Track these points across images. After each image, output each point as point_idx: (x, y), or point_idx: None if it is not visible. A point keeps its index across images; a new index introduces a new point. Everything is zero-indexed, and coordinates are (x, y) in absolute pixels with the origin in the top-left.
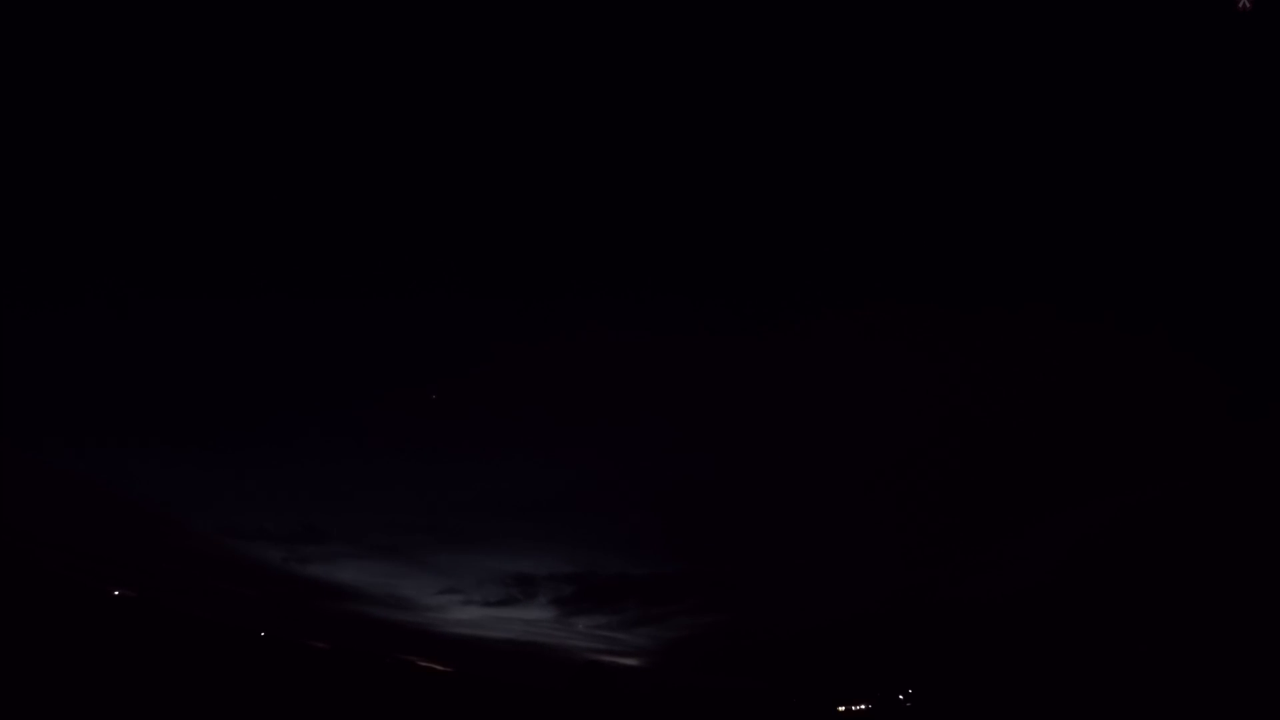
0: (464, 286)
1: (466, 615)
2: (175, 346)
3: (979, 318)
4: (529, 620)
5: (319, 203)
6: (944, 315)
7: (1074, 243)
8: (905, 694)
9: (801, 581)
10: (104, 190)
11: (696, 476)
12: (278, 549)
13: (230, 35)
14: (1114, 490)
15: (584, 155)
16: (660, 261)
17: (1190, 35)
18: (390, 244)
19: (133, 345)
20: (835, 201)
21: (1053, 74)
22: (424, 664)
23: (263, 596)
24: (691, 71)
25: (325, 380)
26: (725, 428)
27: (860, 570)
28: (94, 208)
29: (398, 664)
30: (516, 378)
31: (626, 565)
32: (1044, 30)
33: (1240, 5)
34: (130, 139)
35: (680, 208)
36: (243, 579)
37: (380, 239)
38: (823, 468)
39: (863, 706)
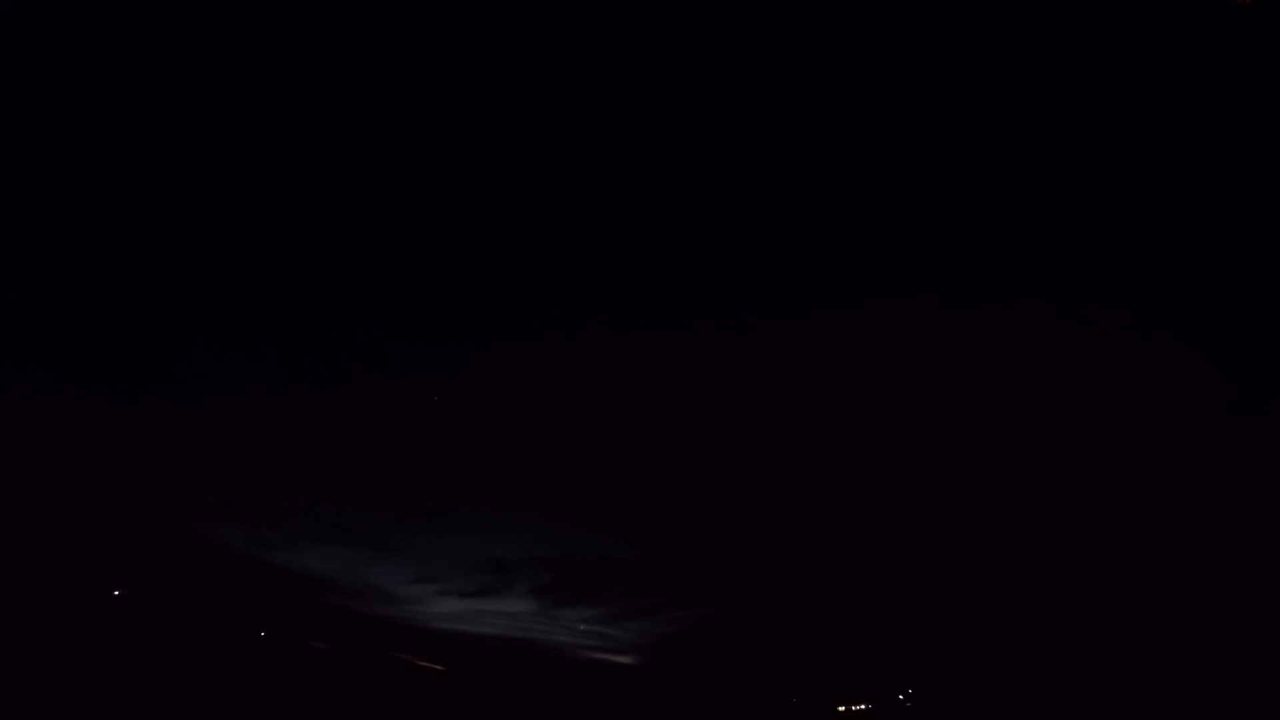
0: (459, 279)
1: (447, 608)
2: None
3: (978, 315)
4: (512, 613)
5: (294, 197)
6: (943, 313)
7: (1073, 240)
8: (905, 694)
9: (796, 576)
10: (87, 190)
11: (678, 460)
12: (239, 533)
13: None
14: (1113, 489)
15: (584, 156)
16: (658, 262)
17: (1189, 31)
18: (372, 236)
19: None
20: (831, 198)
21: (1041, 64)
22: (423, 664)
23: (239, 589)
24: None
25: (294, 358)
26: (716, 416)
27: (858, 567)
28: (73, 207)
29: (397, 664)
30: (502, 376)
31: (607, 549)
32: (1039, 25)
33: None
34: (129, 140)
35: (679, 210)
36: (211, 568)
37: (363, 231)
38: (817, 462)
39: (863, 706)
